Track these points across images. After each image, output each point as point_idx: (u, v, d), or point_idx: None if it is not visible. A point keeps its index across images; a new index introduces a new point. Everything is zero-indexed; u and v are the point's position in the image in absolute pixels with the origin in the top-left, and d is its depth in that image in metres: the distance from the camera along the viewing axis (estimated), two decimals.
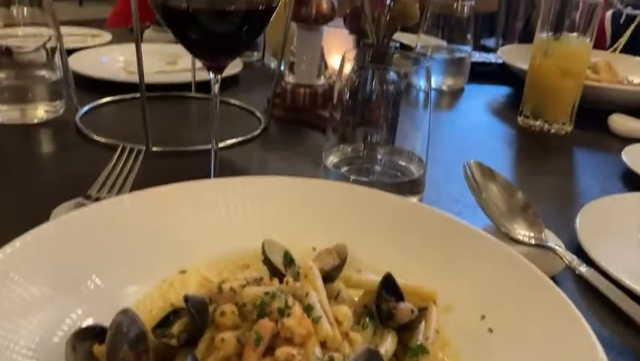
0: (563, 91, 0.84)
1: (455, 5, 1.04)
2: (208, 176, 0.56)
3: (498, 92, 1.07)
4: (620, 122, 0.87)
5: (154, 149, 0.67)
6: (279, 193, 0.45)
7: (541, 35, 0.84)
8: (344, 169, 0.57)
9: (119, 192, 0.50)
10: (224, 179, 0.46)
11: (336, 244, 0.41)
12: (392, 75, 0.65)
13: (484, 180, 0.51)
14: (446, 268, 0.39)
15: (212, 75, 0.50)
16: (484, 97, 1.04)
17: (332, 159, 0.57)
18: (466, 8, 1.04)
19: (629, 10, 1.11)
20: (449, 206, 0.60)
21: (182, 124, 0.83)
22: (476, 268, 0.39)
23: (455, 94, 1.04)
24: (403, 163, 0.59)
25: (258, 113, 0.83)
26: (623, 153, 0.74)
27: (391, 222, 0.43)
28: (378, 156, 0.60)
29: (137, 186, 0.50)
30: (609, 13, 1.24)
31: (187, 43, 0.48)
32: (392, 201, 0.45)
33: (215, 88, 0.51)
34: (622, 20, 1.21)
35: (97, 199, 0.49)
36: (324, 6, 0.80)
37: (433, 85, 1.04)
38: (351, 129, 0.60)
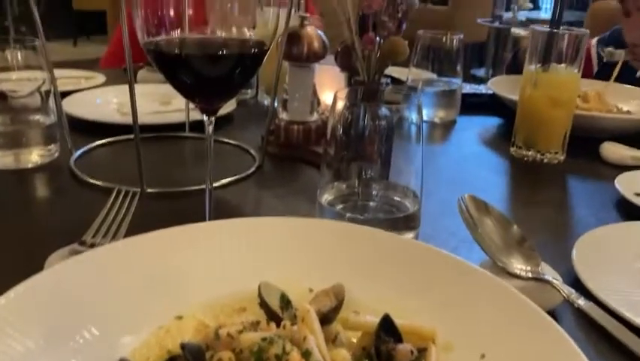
0: (554, 121, 0.85)
1: (444, 39, 1.06)
2: (203, 217, 0.56)
3: (490, 123, 1.08)
4: (611, 150, 0.88)
5: (149, 190, 0.67)
6: (274, 234, 0.45)
7: (530, 67, 0.85)
8: (339, 207, 0.57)
9: (114, 236, 0.50)
10: (217, 222, 0.46)
11: (333, 284, 0.41)
12: (384, 111, 0.65)
13: (479, 215, 0.51)
14: (444, 307, 0.39)
15: (205, 118, 0.50)
16: (476, 128, 1.04)
17: (327, 197, 0.58)
18: (455, 41, 1.06)
19: (607, 56, 1.13)
20: (445, 240, 0.60)
21: (176, 164, 0.83)
22: (475, 306, 0.38)
23: (447, 126, 1.05)
24: (398, 198, 0.59)
25: (253, 151, 0.84)
26: (616, 181, 0.74)
27: (388, 261, 0.43)
28: (373, 192, 0.60)
29: (133, 229, 0.50)
30: (594, 41, 1.27)
31: (179, 86, 0.48)
32: (388, 240, 0.45)
33: (209, 129, 0.52)
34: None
35: (92, 245, 0.48)
36: (316, 44, 0.81)
37: (425, 118, 1.06)
38: (345, 166, 0.60)
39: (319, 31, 0.83)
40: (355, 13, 0.68)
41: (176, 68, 0.47)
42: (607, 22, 1.54)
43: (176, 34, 0.47)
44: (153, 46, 0.46)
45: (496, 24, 4.07)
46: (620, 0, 1.18)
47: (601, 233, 0.58)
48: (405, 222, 0.57)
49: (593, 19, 1.63)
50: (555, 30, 0.83)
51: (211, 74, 0.47)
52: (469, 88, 1.21)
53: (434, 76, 1.08)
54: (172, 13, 0.46)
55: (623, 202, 0.71)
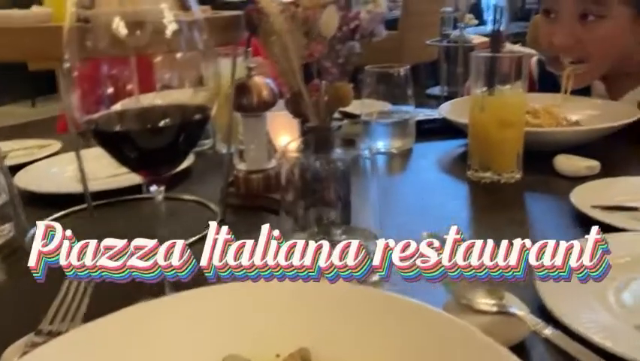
0: (506, 142, 0.87)
1: (391, 71, 1.07)
2: (163, 287, 0.54)
3: (446, 148, 1.09)
4: (565, 162, 0.90)
5: None
6: (235, 300, 0.44)
7: (476, 91, 0.87)
8: None
9: (72, 321, 0.48)
10: (173, 296, 0.45)
11: (300, 347, 0.40)
12: (337, 155, 0.66)
13: (440, 251, 0.51)
14: (413, 358, 0.39)
15: (153, 188, 0.50)
16: (434, 154, 1.06)
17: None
18: (402, 71, 1.08)
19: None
20: None
21: (135, 229, 0.81)
22: (444, 355, 0.38)
23: (405, 155, 1.06)
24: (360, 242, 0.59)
25: (213, 206, 0.83)
26: (571, 195, 0.76)
27: (353, 316, 0.43)
28: (335, 238, 0.60)
29: (91, 311, 0.48)
30: (534, 60, 1.30)
31: (124, 161, 0.48)
32: (351, 293, 0.45)
33: (159, 197, 0.51)
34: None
35: (49, 333, 0.47)
36: (265, 93, 0.82)
37: (382, 149, 1.07)
38: (303, 214, 0.60)
39: (267, 80, 0.84)
40: (299, 62, 0.69)
41: (117, 144, 0.46)
42: None
43: (116, 107, 0.47)
44: (92, 125, 0.45)
45: (445, 43, 4.17)
46: None
47: None
48: None
49: (534, 30, 1.68)
50: (496, 54, 0.86)
51: (154, 145, 0.46)
52: (423, 114, 1.22)
53: (387, 105, 1.10)
54: (109, 90, 0.46)
55: (581, 216, 0.72)
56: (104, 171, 0.95)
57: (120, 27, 0.44)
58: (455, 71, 4.05)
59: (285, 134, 0.97)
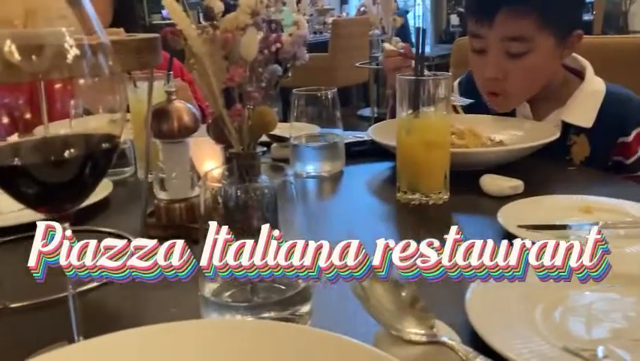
0: (433, 163, 0.87)
1: (319, 94, 1.06)
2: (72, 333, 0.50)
3: (376, 170, 1.09)
4: (490, 182, 0.91)
5: (12, 306, 0.60)
6: (155, 344, 0.41)
7: (402, 114, 0.87)
8: (226, 295, 0.54)
9: None
10: (80, 344, 0.41)
11: None
12: (262, 181, 0.63)
13: (369, 283, 0.50)
14: None
15: (57, 225, 0.45)
16: (364, 177, 1.05)
17: (210, 286, 0.54)
18: (329, 94, 1.07)
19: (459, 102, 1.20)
20: (343, 307, 0.58)
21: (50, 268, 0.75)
22: None
23: (335, 178, 1.05)
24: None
25: (132, 238, 0.78)
26: (498, 215, 0.76)
27: (279, 354, 0.40)
28: None
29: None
30: (456, 83, 1.33)
31: (20, 198, 0.43)
32: (276, 332, 0.42)
33: (66, 234, 0.47)
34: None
35: None
36: (186, 118, 0.79)
37: (313, 173, 1.05)
38: None
39: (188, 105, 0.80)
40: (220, 86, 0.66)
41: (12, 179, 0.42)
42: (467, 57, 1.65)
43: (12, 138, 0.43)
44: None
45: (374, 65, 4.26)
46: (473, 35, 1.15)
47: None
48: (298, 298, 0.54)
49: (458, 52, 1.73)
50: (420, 77, 0.86)
51: (55, 180, 0.42)
52: (352, 137, 1.22)
53: (317, 128, 1.08)
54: (3, 120, 0.41)
55: (508, 236, 0.72)
56: (10, 205, 0.88)
57: (13, 51, 0.40)
58: (385, 93, 4.13)
59: (209, 160, 0.94)
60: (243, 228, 0.57)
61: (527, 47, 1.08)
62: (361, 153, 1.15)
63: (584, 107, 1.12)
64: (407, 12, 7.79)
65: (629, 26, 7.55)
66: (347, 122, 1.11)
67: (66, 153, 0.43)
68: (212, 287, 0.54)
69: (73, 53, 0.43)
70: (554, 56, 1.12)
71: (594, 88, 1.13)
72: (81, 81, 0.44)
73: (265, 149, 1.10)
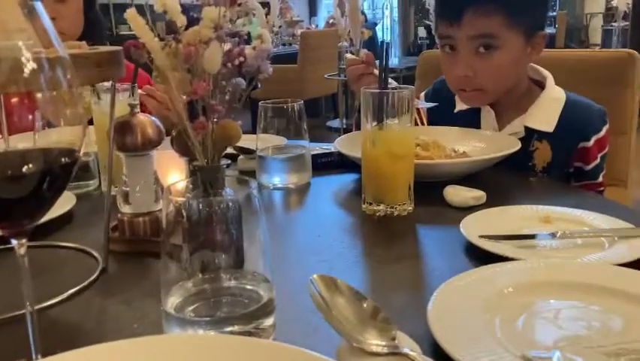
0: (397, 175, 0.88)
1: (285, 106, 1.07)
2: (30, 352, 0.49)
3: (343, 181, 1.10)
4: (453, 193, 0.92)
5: None
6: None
7: (367, 126, 0.88)
8: (189, 309, 0.53)
9: None
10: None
11: None
12: (227, 195, 0.63)
13: (331, 294, 0.50)
14: None
15: (14, 241, 0.44)
16: (330, 188, 1.06)
17: (172, 301, 0.53)
18: (295, 106, 1.07)
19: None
20: (306, 320, 0.58)
21: (9, 284, 0.74)
22: None
23: (302, 190, 1.05)
24: (250, 287, 0.56)
25: (96, 253, 0.77)
26: (460, 225, 0.78)
27: None
28: (224, 284, 0.57)
29: None
30: (422, 94, 1.36)
31: None
32: (240, 346, 0.42)
33: (21, 251, 0.46)
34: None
35: None
36: (150, 131, 0.78)
37: (279, 185, 1.05)
38: (188, 260, 0.56)
39: (152, 117, 0.80)
40: (183, 99, 0.66)
41: None
42: (434, 69, 1.68)
43: None
44: None
45: (342, 77, 4.28)
46: (443, 36, 1.16)
47: (452, 286, 0.59)
48: (261, 312, 0.54)
49: (423, 65, 1.76)
50: (384, 90, 0.87)
51: (9, 195, 0.41)
52: (319, 148, 1.23)
53: (284, 140, 1.08)
54: None
55: (470, 246, 0.74)
56: None
57: None
58: (353, 104, 4.16)
59: (174, 173, 0.93)
60: (207, 242, 0.57)
61: (495, 45, 1.11)
62: (328, 164, 1.16)
63: (545, 112, 1.15)
64: (375, 24, 7.88)
65: (590, 40, 7.81)
66: (316, 133, 1.11)
67: (24, 168, 0.42)
68: (175, 302, 0.53)
69: (30, 66, 0.42)
70: (523, 54, 1.16)
71: (555, 95, 1.17)
72: (39, 95, 0.43)
73: (230, 162, 1.10)
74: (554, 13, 6.90)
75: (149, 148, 0.78)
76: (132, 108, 0.78)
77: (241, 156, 1.18)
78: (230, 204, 0.59)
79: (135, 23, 0.64)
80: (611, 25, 6.50)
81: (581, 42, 7.66)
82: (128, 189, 0.80)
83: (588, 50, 5.46)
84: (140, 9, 0.65)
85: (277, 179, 1.05)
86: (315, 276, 0.52)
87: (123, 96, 0.99)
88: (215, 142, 0.66)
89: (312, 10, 9.95)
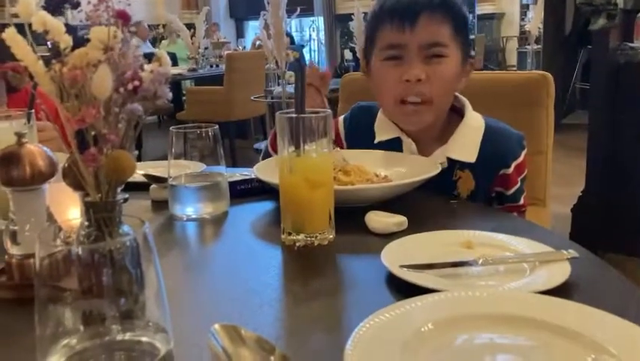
0: (316, 202, 0.84)
1: (199, 131, 1.01)
2: None
3: (262, 210, 1.04)
4: (375, 219, 0.89)
5: None
6: None
7: (283, 152, 0.84)
8: None
9: None
10: None
11: None
12: (123, 234, 0.57)
13: (235, 347, 0.45)
14: None
15: None
16: (249, 217, 1.00)
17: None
18: (210, 131, 1.02)
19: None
20: None
21: None
22: None
23: (218, 220, 0.99)
24: (146, 339, 0.50)
25: None
26: (381, 255, 0.74)
27: None
28: (117, 338, 0.50)
29: None
30: (341, 118, 1.33)
31: None
32: None
33: None
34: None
35: None
36: (40, 163, 0.70)
37: (194, 215, 0.99)
38: (73, 314, 0.49)
39: (44, 147, 0.72)
40: (72, 128, 0.59)
41: None
42: (357, 91, 1.67)
43: None
44: None
45: (269, 99, 4.26)
46: (391, 45, 1.13)
47: (369, 326, 0.55)
48: None
49: (346, 87, 1.75)
50: (300, 115, 0.83)
51: None
52: (238, 175, 1.17)
53: (201, 165, 1.02)
54: None
55: (392, 277, 0.70)
56: None
57: None
58: None
59: (70, 209, 0.85)
60: (93, 289, 0.50)
61: (445, 54, 1.12)
62: (247, 192, 1.10)
63: (466, 143, 1.15)
64: (303, 46, 7.94)
65: (507, 61, 8.19)
66: (245, 155, 1.06)
67: None
68: None
69: None
70: (461, 71, 1.17)
71: (474, 124, 1.17)
72: None
73: (127, 196, 1.01)
74: (473, 37, 7.19)
75: (39, 182, 0.71)
76: (19, 138, 0.70)
77: (153, 185, 1.10)
78: (128, 243, 0.53)
79: (15, 43, 0.57)
80: (525, 48, 6.84)
81: (498, 64, 8.02)
82: (16, 227, 0.72)
83: (505, 71, 5.70)
84: (21, 29, 0.59)
85: (190, 209, 0.99)
86: (216, 326, 0.46)
87: (17, 124, 0.91)
88: (107, 175, 0.60)
89: (240, 32, 9.93)
